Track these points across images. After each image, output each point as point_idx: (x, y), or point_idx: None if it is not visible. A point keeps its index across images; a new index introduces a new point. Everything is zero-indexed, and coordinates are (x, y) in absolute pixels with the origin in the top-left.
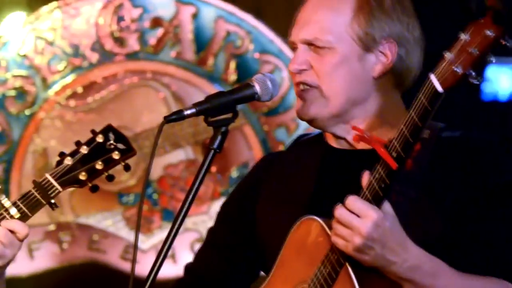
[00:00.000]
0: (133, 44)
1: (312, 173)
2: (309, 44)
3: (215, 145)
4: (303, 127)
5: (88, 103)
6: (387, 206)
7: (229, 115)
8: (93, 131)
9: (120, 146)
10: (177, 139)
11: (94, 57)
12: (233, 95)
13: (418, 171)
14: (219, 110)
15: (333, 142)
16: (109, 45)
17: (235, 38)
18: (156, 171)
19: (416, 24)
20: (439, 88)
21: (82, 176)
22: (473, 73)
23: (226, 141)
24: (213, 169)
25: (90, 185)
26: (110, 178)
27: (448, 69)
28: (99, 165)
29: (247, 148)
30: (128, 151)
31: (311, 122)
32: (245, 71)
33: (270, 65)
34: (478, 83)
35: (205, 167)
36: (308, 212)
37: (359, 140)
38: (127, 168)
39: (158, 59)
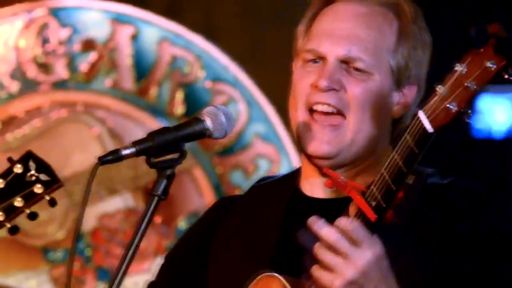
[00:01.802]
0: (60, 71)
1: (275, 223)
2: (346, 62)
3: (159, 191)
4: (263, 170)
5: (7, 141)
6: (378, 241)
7: (175, 155)
8: (10, 159)
9: (43, 177)
10: (114, 184)
11: (14, 86)
12: (180, 131)
13: (399, 223)
14: (164, 149)
15: (306, 188)
16: (32, 72)
17: (183, 64)
18: (89, 222)
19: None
20: (429, 127)
21: None
22: (469, 111)
23: (172, 186)
24: (157, 219)
25: (8, 226)
26: (33, 216)
27: (440, 106)
28: (18, 202)
29: (198, 195)
30: (52, 183)
31: (322, 159)
32: (194, 102)
33: (224, 96)
34: (471, 121)
35: (147, 217)
36: (269, 268)
37: (333, 186)
38: (52, 203)
39: (91, 89)
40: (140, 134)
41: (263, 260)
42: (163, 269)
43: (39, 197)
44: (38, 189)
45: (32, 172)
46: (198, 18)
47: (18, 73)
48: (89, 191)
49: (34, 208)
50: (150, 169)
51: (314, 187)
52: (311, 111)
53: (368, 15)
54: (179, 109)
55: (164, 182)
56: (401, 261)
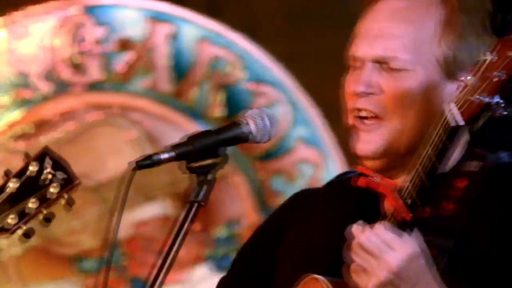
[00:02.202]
0: (95, 71)
1: (341, 222)
2: (382, 62)
3: (199, 197)
4: (306, 175)
5: (41, 145)
6: (421, 243)
7: (216, 160)
8: (26, 155)
9: (60, 175)
10: (151, 190)
11: (47, 87)
12: (221, 135)
13: (460, 216)
14: (204, 153)
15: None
16: (66, 73)
17: (223, 65)
18: (124, 230)
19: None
20: (460, 119)
21: (11, 220)
22: (501, 102)
23: (212, 192)
24: (196, 226)
25: (23, 229)
26: (47, 220)
27: (471, 97)
28: (32, 204)
29: (238, 201)
30: (68, 182)
31: (371, 160)
32: (235, 105)
33: (266, 98)
34: (507, 114)
35: (186, 224)
36: (328, 270)
37: (366, 185)
38: (70, 203)
39: (127, 90)
40: (177, 138)
41: (324, 261)
42: (234, 264)
43: (56, 198)
44: (54, 188)
45: (48, 170)
46: (239, 17)
47: (51, 74)
48: (126, 197)
49: (50, 210)
50: (188, 174)
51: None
52: (357, 117)
53: (406, 9)
54: (219, 111)
55: (204, 188)
56: (456, 256)
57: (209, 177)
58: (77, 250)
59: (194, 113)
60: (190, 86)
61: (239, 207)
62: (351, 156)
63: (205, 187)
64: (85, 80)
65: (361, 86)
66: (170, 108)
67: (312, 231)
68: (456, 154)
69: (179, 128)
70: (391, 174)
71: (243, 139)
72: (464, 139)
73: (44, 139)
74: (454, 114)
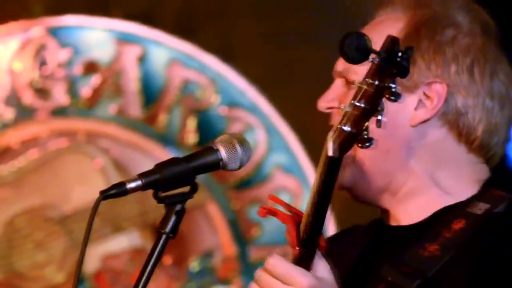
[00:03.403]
0: (60, 96)
1: (359, 257)
2: (343, 77)
3: (168, 228)
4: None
5: (1, 175)
6: (323, 270)
7: (186, 189)
8: None
9: None
10: (119, 221)
11: (9, 113)
12: (191, 162)
13: (439, 258)
14: (173, 182)
15: (387, 218)
16: (28, 98)
17: (195, 88)
18: (91, 263)
19: (493, 72)
20: (330, 149)
21: None
22: (364, 133)
23: (184, 223)
24: (168, 260)
25: None
26: None
27: (339, 127)
28: None
29: (211, 232)
30: None
31: (349, 191)
32: (208, 131)
33: (241, 123)
34: (368, 147)
35: (154, 256)
36: None
37: (265, 214)
38: None
39: (94, 116)
40: (148, 165)
41: None
42: None
43: None
44: None
45: None
46: (213, 38)
47: (12, 99)
48: (91, 228)
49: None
50: (158, 204)
51: (386, 215)
52: None
53: (373, 24)
54: (191, 138)
55: (173, 219)
56: None
57: (178, 207)
58: (42, 285)
59: (165, 139)
60: (161, 111)
61: (213, 239)
62: None
63: (173, 218)
64: (48, 106)
65: (321, 102)
66: (139, 134)
67: (341, 264)
68: (463, 189)
69: (149, 156)
70: (382, 200)
71: (213, 167)
72: (475, 174)
73: (5, 169)
74: (327, 144)
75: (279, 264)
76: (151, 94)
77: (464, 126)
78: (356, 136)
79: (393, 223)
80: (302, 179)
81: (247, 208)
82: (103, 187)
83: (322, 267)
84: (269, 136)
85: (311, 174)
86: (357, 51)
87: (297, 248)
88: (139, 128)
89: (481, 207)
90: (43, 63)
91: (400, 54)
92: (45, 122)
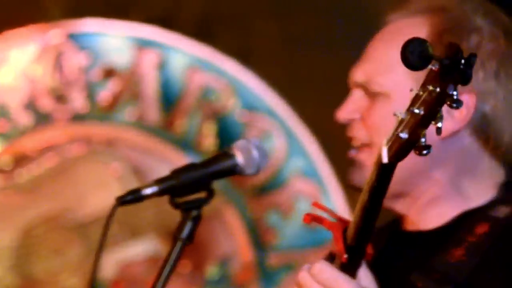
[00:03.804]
0: (78, 102)
1: (380, 263)
2: (363, 88)
3: (184, 234)
4: (302, 210)
5: (18, 181)
6: (367, 279)
7: (202, 195)
8: None
9: None
10: (137, 227)
11: (27, 119)
12: (208, 167)
13: (466, 264)
14: (190, 188)
15: (403, 222)
16: (46, 103)
17: (214, 93)
18: (108, 270)
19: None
20: (384, 157)
21: None
22: (422, 140)
23: (201, 229)
24: (186, 267)
25: None
26: None
27: (394, 134)
28: None
29: (229, 238)
30: None
31: (358, 190)
32: (227, 135)
33: (260, 128)
34: (426, 154)
35: (170, 263)
36: None
37: (310, 221)
38: None
39: (112, 122)
40: (166, 171)
41: None
42: None
43: None
44: None
45: None
46: (232, 41)
47: (30, 105)
48: (106, 235)
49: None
50: (175, 210)
51: (403, 219)
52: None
53: (395, 30)
54: (210, 143)
55: (189, 225)
56: None
57: (194, 213)
58: None
59: (184, 145)
60: (180, 117)
61: (231, 245)
62: (350, 188)
63: (189, 224)
64: (67, 111)
65: (341, 113)
66: (158, 140)
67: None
68: (483, 193)
69: (168, 161)
70: (398, 205)
71: (230, 172)
72: (493, 177)
73: (23, 175)
74: (381, 152)
75: (326, 269)
76: (169, 100)
77: (492, 134)
78: (414, 143)
79: (410, 227)
80: (321, 184)
81: (265, 214)
82: (121, 193)
83: (367, 276)
84: (288, 140)
85: (330, 179)
86: (420, 57)
87: (344, 256)
88: (158, 134)
89: (503, 211)
90: (61, 68)
91: (463, 61)
92: (63, 128)
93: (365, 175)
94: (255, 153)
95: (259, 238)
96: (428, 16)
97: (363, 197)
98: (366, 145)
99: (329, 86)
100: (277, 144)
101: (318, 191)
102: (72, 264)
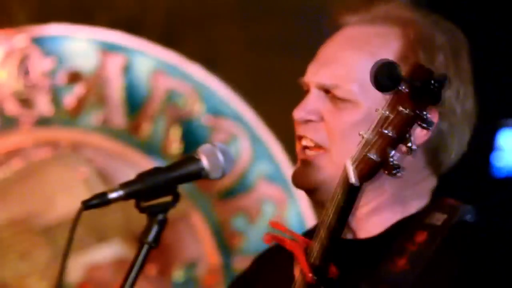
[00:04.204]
0: (43, 106)
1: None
2: (326, 91)
3: (150, 238)
4: (268, 214)
5: None
6: None
7: (168, 199)
8: None
9: None
10: (103, 231)
11: None
12: (174, 172)
13: (410, 272)
14: (155, 192)
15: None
16: (11, 107)
17: (179, 98)
18: (75, 274)
19: (469, 93)
20: (352, 178)
21: None
22: (391, 161)
23: (168, 232)
24: (152, 270)
25: None
26: None
27: (362, 154)
28: None
29: (195, 242)
30: None
31: (310, 192)
32: (192, 140)
33: (225, 132)
34: (396, 174)
35: (137, 266)
36: None
37: (271, 241)
38: None
39: (78, 126)
40: (132, 175)
41: None
42: None
43: None
44: None
45: None
46: (197, 46)
47: None
48: (72, 238)
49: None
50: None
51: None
52: (300, 146)
53: (361, 37)
54: (175, 147)
55: (155, 228)
56: None
57: (160, 217)
58: None
59: (149, 149)
60: (145, 121)
61: (197, 249)
62: (298, 188)
63: (155, 228)
64: (32, 115)
65: (300, 112)
66: (123, 144)
67: (274, 280)
68: (418, 200)
69: (133, 165)
70: None
71: (195, 176)
72: (427, 185)
73: None
74: (348, 172)
75: None
76: (135, 104)
77: (440, 152)
78: (382, 164)
79: (349, 236)
80: (287, 189)
81: (231, 218)
82: (87, 197)
83: None
84: (253, 145)
85: None
86: (390, 79)
87: (310, 276)
88: (123, 138)
89: (438, 218)
90: (26, 72)
91: (434, 82)
92: (28, 132)
93: (317, 178)
94: (220, 157)
95: (225, 241)
96: (399, 28)
97: (328, 217)
98: (321, 148)
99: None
100: (242, 148)
101: (284, 195)
102: (39, 268)
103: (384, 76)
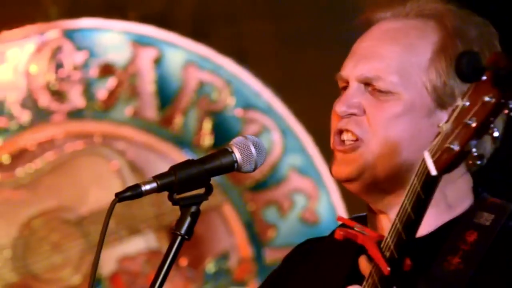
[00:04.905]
0: (76, 98)
1: (342, 273)
2: (367, 83)
3: (183, 230)
4: (300, 206)
5: (17, 177)
6: None
7: (201, 191)
8: None
9: None
10: (136, 223)
11: (25, 116)
12: (206, 164)
13: (465, 272)
14: (188, 184)
15: (371, 224)
16: (44, 100)
17: (210, 90)
18: (108, 265)
19: None
20: (432, 169)
21: None
22: (474, 151)
23: (200, 224)
24: (183, 261)
25: None
26: None
27: (443, 145)
28: None
29: (227, 234)
30: None
31: (348, 182)
32: (223, 132)
33: (256, 125)
34: (480, 164)
35: (169, 258)
36: None
37: (343, 237)
38: None
39: (110, 118)
40: (163, 167)
41: None
42: None
43: None
44: None
45: None
46: (228, 40)
47: (29, 102)
48: (106, 230)
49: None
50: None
51: (373, 223)
52: (338, 139)
53: (398, 30)
54: (207, 140)
55: (188, 221)
56: None
57: (193, 209)
58: (59, 287)
59: (181, 141)
60: (177, 113)
61: (229, 241)
62: (338, 181)
63: (188, 220)
64: (64, 108)
65: (342, 106)
66: (155, 136)
67: (314, 279)
68: (462, 199)
69: (165, 158)
70: (374, 198)
71: (228, 169)
72: (466, 183)
73: (22, 171)
74: (427, 163)
75: None
76: (166, 96)
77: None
78: (466, 154)
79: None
80: (318, 181)
81: (262, 210)
82: (119, 189)
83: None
84: (284, 137)
85: (327, 176)
86: (474, 69)
87: (388, 269)
88: (155, 130)
89: (487, 218)
90: (59, 65)
91: None
92: (61, 124)
93: (357, 167)
94: (253, 150)
95: (257, 234)
96: (435, 21)
97: (404, 210)
98: (362, 141)
99: (323, 84)
100: (273, 141)
101: (315, 187)
102: (72, 260)
103: (469, 67)
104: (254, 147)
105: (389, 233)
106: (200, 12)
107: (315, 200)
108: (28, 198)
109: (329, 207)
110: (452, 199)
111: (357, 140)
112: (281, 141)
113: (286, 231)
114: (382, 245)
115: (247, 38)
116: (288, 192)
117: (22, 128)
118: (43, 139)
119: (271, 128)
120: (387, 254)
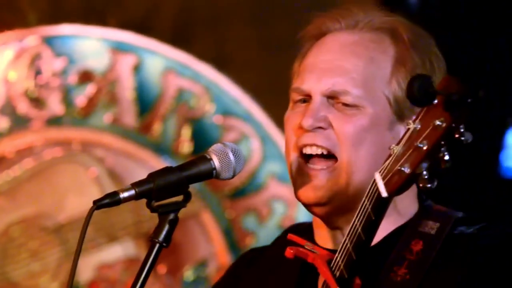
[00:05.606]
0: (55, 105)
1: (290, 281)
2: (332, 97)
3: (161, 237)
4: (279, 213)
5: None
6: None
7: (179, 198)
8: None
9: None
10: (114, 230)
11: (3, 122)
12: (184, 171)
13: (411, 282)
14: (166, 191)
15: (319, 239)
16: (23, 107)
17: (190, 97)
18: (85, 273)
19: None
20: (383, 191)
21: None
22: (425, 173)
23: (178, 232)
24: (162, 269)
25: None
26: None
27: (394, 167)
28: None
29: (206, 241)
30: None
31: (315, 206)
32: (202, 139)
33: (236, 132)
34: (431, 187)
35: (147, 266)
36: None
37: (293, 255)
38: None
39: (89, 125)
40: (142, 175)
41: None
42: None
43: None
44: None
45: None
46: (208, 46)
47: (7, 109)
48: (83, 238)
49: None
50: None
51: (324, 238)
52: (303, 155)
53: (356, 43)
54: (186, 147)
55: (166, 228)
56: None
57: (171, 216)
58: None
59: (160, 148)
60: (156, 120)
61: (207, 248)
62: (304, 205)
63: (166, 227)
64: (43, 115)
65: (309, 120)
66: (134, 143)
67: None
68: (409, 206)
69: (144, 165)
70: (335, 218)
71: (206, 176)
72: (413, 190)
73: (0, 178)
74: (378, 185)
75: None
76: (146, 103)
77: None
78: (417, 177)
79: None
80: None
81: (241, 217)
82: (98, 196)
83: None
84: (263, 145)
85: None
86: (426, 94)
87: None
88: (134, 137)
89: (432, 226)
90: (38, 72)
91: (469, 95)
92: (40, 131)
93: (330, 190)
94: (231, 157)
95: (235, 241)
96: (388, 34)
97: (355, 230)
98: (331, 154)
99: None
100: (253, 148)
101: (293, 195)
102: (50, 267)
103: (421, 91)
104: (233, 154)
105: (339, 253)
106: (180, 18)
107: (294, 207)
108: (6, 205)
109: (308, 214)
110: (401, 206)
111: (328, 154)
112: (260, 148)
113: (265, 239)
114: (332, 265)
115: (228, 44)
116: (267, 200)
117: (0, 135)
118: (21, 146)
119: (250, 135)
120: (337, 273)
